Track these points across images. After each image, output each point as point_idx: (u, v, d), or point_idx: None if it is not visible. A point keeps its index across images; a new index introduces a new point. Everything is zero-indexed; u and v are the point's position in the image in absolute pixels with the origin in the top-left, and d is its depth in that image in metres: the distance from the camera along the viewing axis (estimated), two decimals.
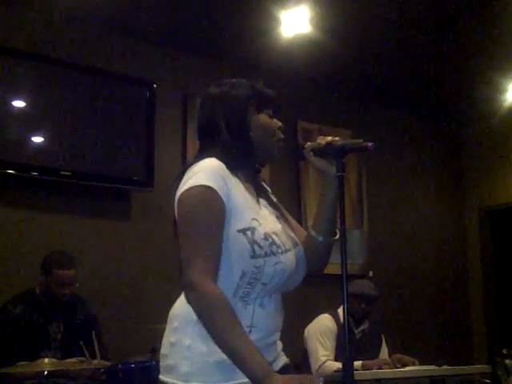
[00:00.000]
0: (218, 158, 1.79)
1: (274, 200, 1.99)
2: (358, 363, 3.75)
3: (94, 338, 3.48)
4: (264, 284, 1.75)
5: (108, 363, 3.43)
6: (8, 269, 4.12)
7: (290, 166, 5.48)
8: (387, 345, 4.40)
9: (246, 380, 1.67)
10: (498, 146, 6.66)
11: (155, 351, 3.42)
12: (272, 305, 1.80)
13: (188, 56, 5.11)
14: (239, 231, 1.73)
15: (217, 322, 1.64)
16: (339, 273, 1.68)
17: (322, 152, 1.84)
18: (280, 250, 1.78)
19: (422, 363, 3.99)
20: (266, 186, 2.01)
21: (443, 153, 6.88)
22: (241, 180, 1.84)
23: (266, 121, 1.91)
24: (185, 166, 1.85)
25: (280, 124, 1.94)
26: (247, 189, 1.86)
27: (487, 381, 3.95)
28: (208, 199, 1.71)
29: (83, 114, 4.46)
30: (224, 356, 1.67)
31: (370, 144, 1.77)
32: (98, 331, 3.86)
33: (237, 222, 1.74)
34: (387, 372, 3.75)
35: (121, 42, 4.79)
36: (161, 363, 1.81)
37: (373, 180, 6.13)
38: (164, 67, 4.99)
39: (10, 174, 4.13)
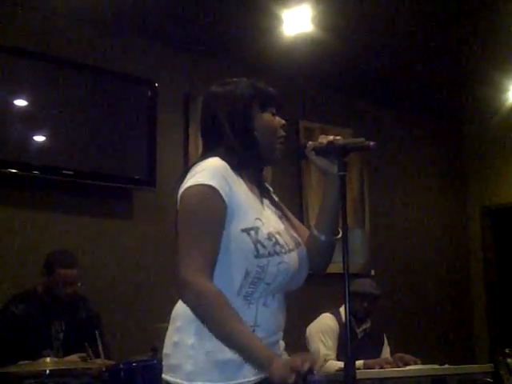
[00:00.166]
0: (221, 157, 1.79)
1: (277, 200, 1.99)
2: (359, 362, 3.75)
3: (97, 337, 3.47)
4: (267, 284, 1.75)
5: (111, 362, 3.43)
6: (9, 268, 4.12)
7: (292, 165, 5.49)
8: (389, 344, 4.40)
9: (250, 379, 1.67)
10: (499, 145, 6.66)
11: (156, 350, 3.42)
12: (275, 304, 1.81)
13: (190, 55, 5.11)
14: (243, 231, 1.73)
15: (214, 317, 1.65)
16: (341, 272, 1.69)
17: (324, 151, 1.84)
18: (283, 250, 1.78)
19: (423, 362, 3.98)
20: (268, 186, 2.01)
21: (445, 152, 6.88)
22: (244, 180, 1.84)
23: (269, 120, 1.91)
24: (188, 165, 1.85)
25: (283, 122, 1.94)
26: (250, 189, 1.86)
27: (489, 380, 3.95)
28: (208, 198, 1.72)
29: (85, 113, 4.46)
30: (228, 355, 1.68)
31: (371, 143, 1.77)
32: (101, 330, 3.86)
33: (240, 222, 1.74)
34: (389, 371, 3.74)
35: (122, 42, 4.79)
36: (164, 362, 1.81)
37: (374, 179, 6.13)
38: (166, 67, 4.99)
39: (12, 173, 4.13)
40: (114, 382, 3.37)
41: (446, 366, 3.88)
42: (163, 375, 1.79)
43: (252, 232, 1.73)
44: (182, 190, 1.76)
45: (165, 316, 1.89)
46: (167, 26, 4.77)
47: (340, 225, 1.86)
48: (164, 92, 4.81)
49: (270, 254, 1.74)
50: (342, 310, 4.11)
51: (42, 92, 4.33)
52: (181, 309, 1.80)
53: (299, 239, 1.90)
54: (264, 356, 1.62)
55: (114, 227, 4.63)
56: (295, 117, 5.50)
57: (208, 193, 1.72)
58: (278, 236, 1.79)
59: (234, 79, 1.94)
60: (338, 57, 5.20)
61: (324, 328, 4.15)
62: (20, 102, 4.28)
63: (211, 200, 1.72)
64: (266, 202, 1.91)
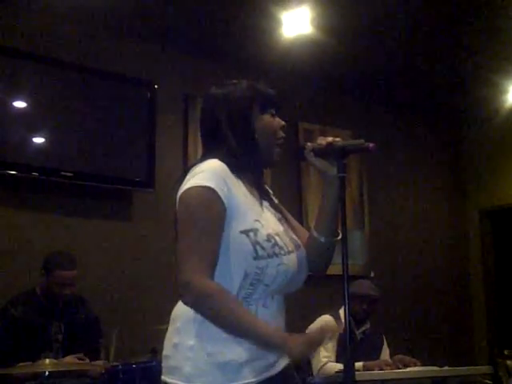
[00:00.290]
0: (221, 159, 1.79)
1: (276, 202, 1.99)
2: (359, 364, 3.75)
3: (114, 338, 3.46)
4: (266, 285, 1.75)
5: (111, 364, 3.43)
6: (9, 269, 4.12)
7: (291, 166, 5.49)
8: (388, 346, 4.40)
9: (250, 381, 1.68)
10: (498, 146, 6.66)
11: (156, 351, 3.43)
12: (274, 306, 1.81)
13: (189, 57, 5.11)
14: (242, 232, 1.73)
15: (222, 312, 1.65)
16: (340, 273, 1.69)
17: (323, 153, 1.84)
18: (283, 252, 1.78)
19: (423, 364, 3.98)
20: (268, 189, 2.00)
21: (444, 153, 6.89)
22: (243, 182, 1.84)
23: (269, 121, 1.90)
24: (187, 167, 1.85)
25: (283, 123, 1.93)
26: (250, 191, 1.85)
27: (489, 382, 3.95)
28: (207, 199, 1.71)
29: (84, 114, 4.46)
30: (227, 357, 1.69)
31: (371, 145, 1.77)
32: (100, 331, 3.86)
33: (239, 224, 1.74)
34: (389, 373, 3.74)
35: (122, 43, 4.80)
36: (163, 364, 1.81)
37: (374, 181, 6.13)
38: (165, 68, 4.99)
39: (11, 174, 4.13)
40: (113, 383, 3.37)
41: (446, 367, 3.89)
42: (163, 377, 1.79)
43: (251, 233, 1.73)
44: (181, 191, 1.76)
45: (164, 317, 1.89)
46: (166, 27, 4.77)
47: (340, 226, 1.86)
48: (163, 93, 4.81)
49: (269, 256, 1.73)
50: (341, 311, 4.10)
51: (40, 93, 4.33)
52: (180, 310, 1.80)
53: (298, 241, 1.90)
54: (279, 337, 1.65)
55: (113, 228, 4.63)
56: (294, 118, 5.50)
57: (207, 194, 1.71)
58: (277, 238, 1.79)
59: (234, 81, 1.94)
60: (337, 58, 5.21)
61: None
62: (19, 104, 4.28)
63: (211, 202, 1.71)
64: (265, 204, 1.91)
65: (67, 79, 4.42)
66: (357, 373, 1.77)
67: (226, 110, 1.87)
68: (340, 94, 6.00)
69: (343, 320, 1.77)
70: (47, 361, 3.20)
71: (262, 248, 1.73)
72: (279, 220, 1.90)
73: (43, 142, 4.36)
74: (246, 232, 1.73)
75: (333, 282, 2.35)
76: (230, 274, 1.72)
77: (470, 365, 4.47)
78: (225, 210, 1.73)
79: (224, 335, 1.70)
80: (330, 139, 1.82)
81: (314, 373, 3.95)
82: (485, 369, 4.10)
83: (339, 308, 4.13)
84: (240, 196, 1.78)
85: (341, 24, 4.70)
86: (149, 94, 4.73)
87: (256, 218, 1.78)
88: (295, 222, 2.00)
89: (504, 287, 6.64)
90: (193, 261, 1.66)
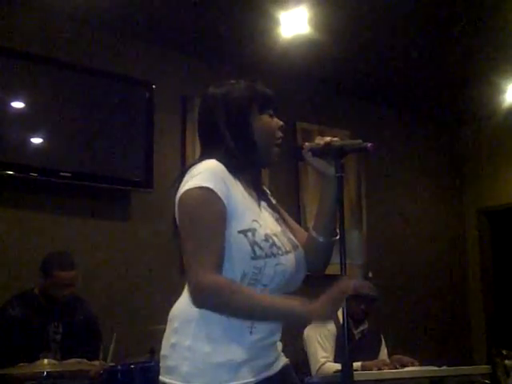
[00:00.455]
0: (219, 159, 1.78)
1: (274, 202, 1.99)
2: (357, 364, 3.75)
3: (113, 338, 3.46)
4: (264, 285, 1.74)
5: (109, 364, 3.43)
6: (7, 270, 4.12)
7: (289, 166, 5.49)
8: (386, 345, 4.40)
9: (248, 380, 1.68)
10: (497, 146, 6.67)
11: (154, 352, 3.42)
12: None
13: (187, 57, 5.12)
14: (240, 232, 1.73)
15: (240, 302, 1.66)
16: (339, 273, 1.69)
17: (321, 152, 1.84)
18: (280, 252, 1.78)
19: (421, 364, 3.99)
20: (266, 189, 2.00)
21: (442, 153, 6.89)
22: (241, 182, 1.84)
23: (267, 121, 1.90)
24: (184, 168, 1.84)
25: (281, 123, 1.93)
26: (248, 191, 1.85)
27: (487, 381, 3.96)
28: (207, 200, 1.71)
29: (82, 114, 4.46)
30: (225, 357, 1.69)
31: (369, 145, 1.77)
32: (98, 332, 3.86)
33: (237, 224, 1.74)
34: (387, 373, 3.74)
35: (120, 44, 4.79)
36: (161, 364, 1.80)
37: (372, 181, 6.13)
38: (163, 68, 4.99)
39: (10, 175, 4.13)
40: (111, 383, 3.37)
41: (444, 367, 3.89)
42: (160, 377, 1.79)
43: (249, 233, 1.73)
44: (180, 193, 1.75)
45: (163, 318, 1.89)
46: (165, 27, 4.77)
47: (338, 226, 1.86)
48: (161, 94, 4.81)
49: (266, 256, 1.73)
50: (339, 311, 4.11)
51: (39, 94, 4.33)
52: (178, 310, 1.80)
53: (296, 241, 1.90)
54: (300, 306, 1.65)
55: (111, 229, 4.63)
56: (292, 118, 5.51)
57: (207, 195, 1.71)
58: (275, 238, 1.79)
59: (232, 81, 1.93)
60: (334, 58, 5.21)
61: (321, 330, 4.14)
62: (17, 104, 4.27)
63: (211, 202, 1.71)
64: (263, 204, 1.91)
65: (65, 80, 4.41)
66: (355, 373, 1.77)
67: (224, 110, 1.86)
68: (338, 94, 6.00)
69: (341, 320, 1.77)
70: (46, 361, 3.20)
71: (260, 248, 1.73)
72: (277, 220, 1.90)
73: (42, 143, 4.36)
74: (243, 232, 1.73)
75: (331, 282, 2.35)
76: (229, 274, 1.71)
77: (468, 364, 4.48)
78: (225, 209, 1.73)
79: (222, 335, 1.70)
80: (328, 139, 1.82)
81: (313, 373, 3.95)
82: (483, 368, 4.11)
83: None
84: (238, 196, 1.78)
85: (339, 24, 4.71)
86: (147, 95, 4.73)
87: (254, 218, 1.78)
88: (293, 223, 2.00)
89: (502, 287, 6.65)
90: (201, 263, 1.65)
